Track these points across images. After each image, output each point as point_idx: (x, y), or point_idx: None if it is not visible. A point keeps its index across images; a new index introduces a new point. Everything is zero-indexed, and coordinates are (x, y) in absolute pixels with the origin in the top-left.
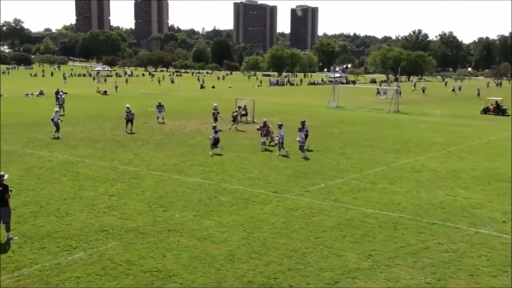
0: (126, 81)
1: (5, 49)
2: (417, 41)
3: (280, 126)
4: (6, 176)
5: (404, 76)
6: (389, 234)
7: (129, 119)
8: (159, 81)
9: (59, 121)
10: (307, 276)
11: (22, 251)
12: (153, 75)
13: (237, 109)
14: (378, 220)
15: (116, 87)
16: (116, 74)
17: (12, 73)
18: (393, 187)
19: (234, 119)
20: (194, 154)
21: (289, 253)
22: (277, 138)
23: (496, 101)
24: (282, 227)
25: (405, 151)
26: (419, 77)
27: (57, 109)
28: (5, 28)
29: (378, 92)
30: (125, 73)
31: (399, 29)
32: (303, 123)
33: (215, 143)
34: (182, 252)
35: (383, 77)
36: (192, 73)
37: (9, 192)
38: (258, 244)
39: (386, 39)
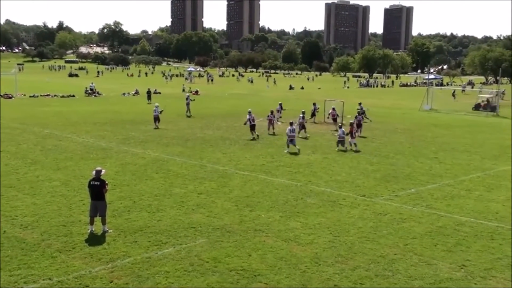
0: (212, 80)
1: (105, 50)
2: None
3: (291, 124)
4: (103, 172)
5: (506, 78)
6: (485, 244)
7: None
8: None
9: (159, 114)
10: (395, 283)
11: (116, 243)
12: (243, 76)
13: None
14: (473, 229)
15: (184, 89)
16: (207, 74)
17: (110, 73)
18: (490, 194)
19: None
20: (281, 155)
21: (376, 259)
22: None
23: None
24: (370, 232)
25: (505, 157)
26: None
27: (157, 104)
28: (105, 30)
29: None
30: (208, 74)
31: (501, 28)
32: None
33: (251, 128)
34: (268, 252)
35: (481, 79)
36: (283, 74)
37: (106, 186)
38: (344, 248)
39: (487, 39)
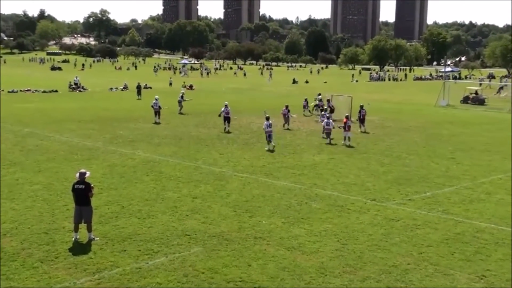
0: (207, 74)
1: (91, 41)
2: None
3: (267, 119)
4: (88, 174)
5: None
6: (507, 253)
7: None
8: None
9: (160, 108)
10: None
11: (103, 253)
12: (241, 68)
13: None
14: (493, 236)
15: (171, 83)
16: (202, 66)
17: (97, 66)
18: None
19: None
20: (283, 155)
21: (388, 269)
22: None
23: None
24: (381, 239)
25: None
26: None
27: (157, 96)
28: (91, 19)
29: (499, 90)
30: (202, 66)
31: None
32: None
33: (226, 119)
34: (269, 262)
35: (503, 71)
36: (287, 67)
37: (92, 190)
38: (353, 257)
39: (509, 28)
